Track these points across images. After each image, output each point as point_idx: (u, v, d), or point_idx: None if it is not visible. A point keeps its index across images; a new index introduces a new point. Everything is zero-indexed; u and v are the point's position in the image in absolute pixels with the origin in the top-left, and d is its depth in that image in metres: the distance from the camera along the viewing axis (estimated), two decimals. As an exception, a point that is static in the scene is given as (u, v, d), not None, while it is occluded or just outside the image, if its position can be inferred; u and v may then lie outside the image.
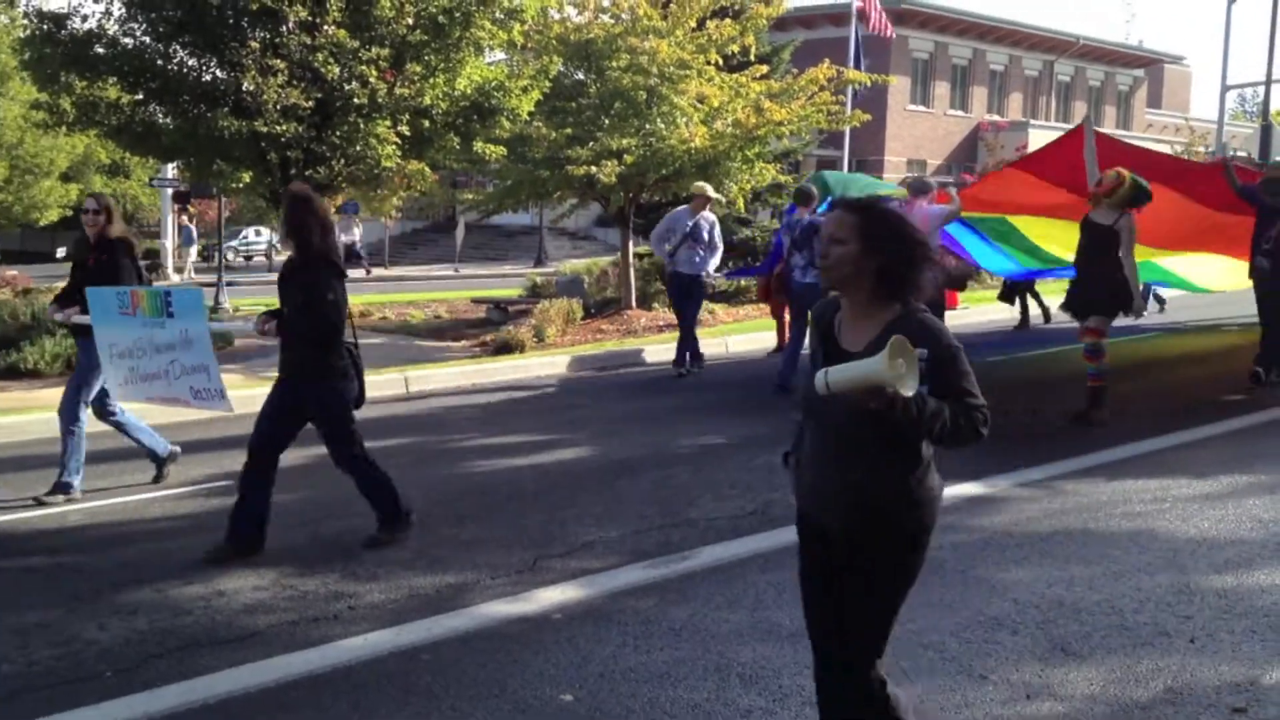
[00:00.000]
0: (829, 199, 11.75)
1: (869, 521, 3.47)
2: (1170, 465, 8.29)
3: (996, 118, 49.18)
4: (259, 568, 6.21)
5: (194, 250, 38.33)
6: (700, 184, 13.69)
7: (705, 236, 12.83)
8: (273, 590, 5.83)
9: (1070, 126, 42.81)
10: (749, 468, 8.55)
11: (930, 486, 3.49)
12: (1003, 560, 6.16)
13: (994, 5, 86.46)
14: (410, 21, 12.29)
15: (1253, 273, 11.48)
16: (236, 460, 8.93)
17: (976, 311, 17.64)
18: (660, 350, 14.28)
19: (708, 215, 13.02)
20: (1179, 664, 4.76)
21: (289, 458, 9.11)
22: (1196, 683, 4.58)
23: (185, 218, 38.99)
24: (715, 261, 13.20)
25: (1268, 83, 31.96)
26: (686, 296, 13.05)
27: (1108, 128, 53.25)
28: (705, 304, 15.06)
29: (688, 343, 13.05)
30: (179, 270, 36.27)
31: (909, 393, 3.15)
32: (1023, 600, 5.51)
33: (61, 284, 8.59)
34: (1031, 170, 11.81)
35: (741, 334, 15.93)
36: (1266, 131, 30.67)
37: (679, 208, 13.36)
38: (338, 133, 12.17)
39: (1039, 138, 45.49)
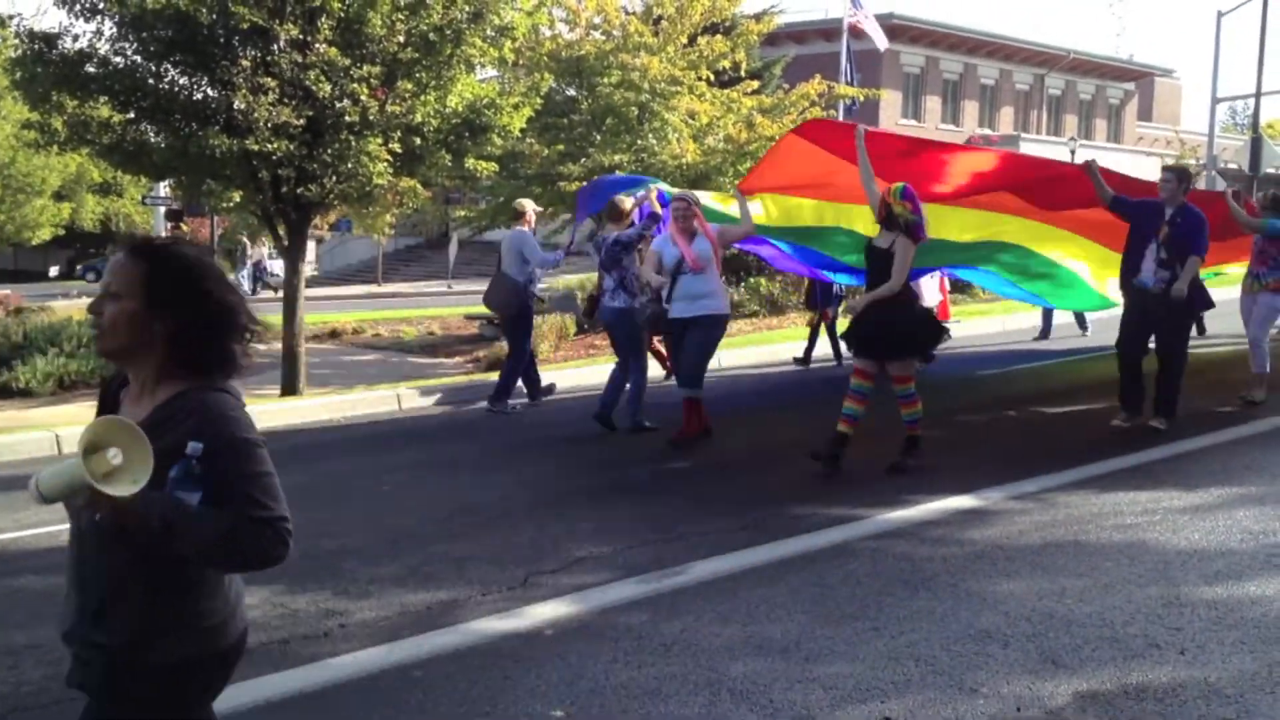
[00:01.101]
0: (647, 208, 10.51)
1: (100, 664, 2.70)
2: (1160, 477, 8.31)
3: (988, 131, 49.33)
4: (250, 585, 6.19)
5: None
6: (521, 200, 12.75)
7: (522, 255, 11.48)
8: (263, 609, 5.82)
9: (1061, 141, 42.68)
10: (739, 485, 8.56)
11: (199, 614, 2.72)
12: (994, 573, 6.17)
13: (985, 19, 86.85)
14: (401, 39, 12.32)
15: (1133, 293, 9.88)
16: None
17: (972, 325, 17.66)
18: (650, 365, 14.26)
19: (520, 231, 11.70)
20: (1169, 676, 4.77)
21: (285, 480, 9.12)
22: (1187, 694, 4.59)
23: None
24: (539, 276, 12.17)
25: (1258, 95, 32.13)
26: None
27: (1099, 140, 53.57)
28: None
29: (515, 375, 11.71)
30: None
31: (121, 493, 2.40)
32: (1014, 613, 5.52)
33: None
34: (811, 138, 10.29)
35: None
36: (1257, 144, 30.84)
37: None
38: (329, 150, 12.19)
39: (1031, 151, 45.71)
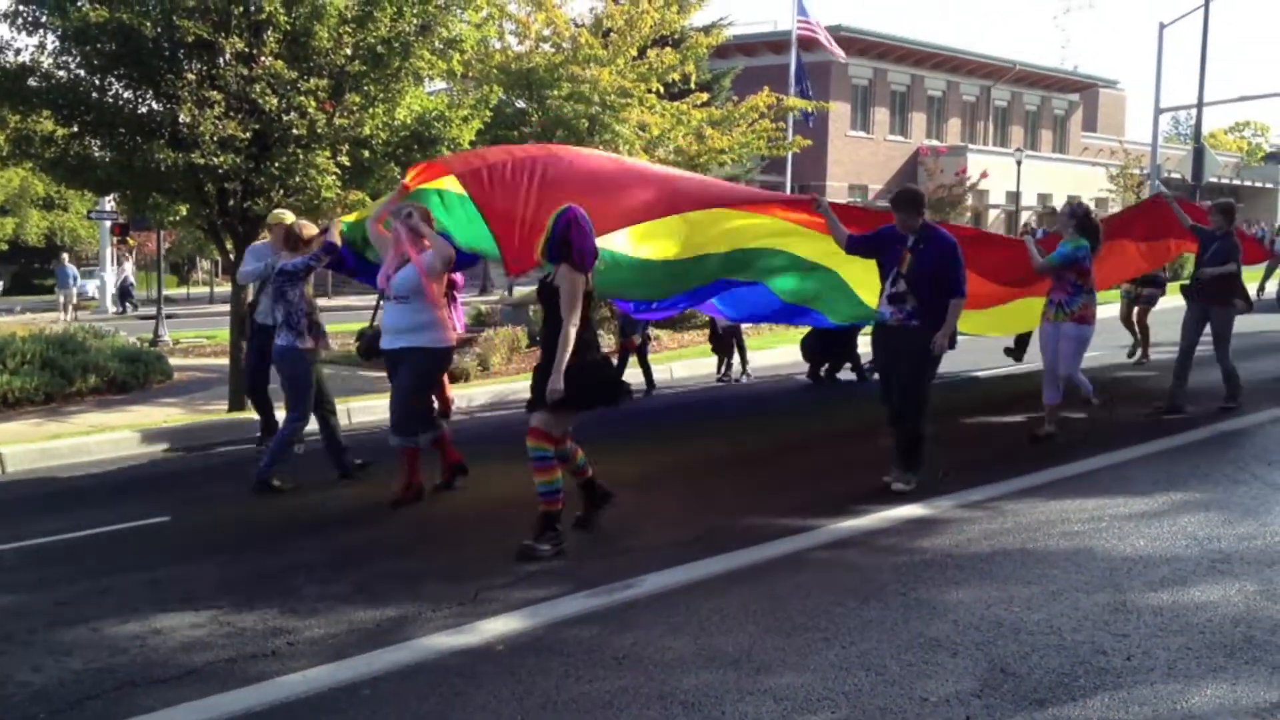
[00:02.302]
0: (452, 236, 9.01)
1: None
2: (1106, 485, 8.40)
3: (935, 142, 49.78)
4: (197, 604, 6.13)
5: (74, 291, 36.54)
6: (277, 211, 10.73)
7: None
8: (210, 627, 5.75)
9: (1009, 151, 43.09)
10: (690, 495, 8.57)
11: None
12: (943, 581, 6.20)
13: (932, 32, 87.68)
14: (349, 52, 12.25)
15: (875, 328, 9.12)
16: (180, 498, 8.85)
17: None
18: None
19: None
20: (1116, 682, 4.81)
21: (231, 492, 9.05)
22: (1133, 700, 4.63)
23: (67, 256, 38.11)
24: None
25: (1199, 106, 32.61)
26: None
27: (1044, 151, 54.20)
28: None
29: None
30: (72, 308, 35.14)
31: None
32: (963, 621, 5.55)
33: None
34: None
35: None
36: (1199, 154, 31.28)
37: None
38: (276, 164, 12.09)
39: (978, 162, 46.27)
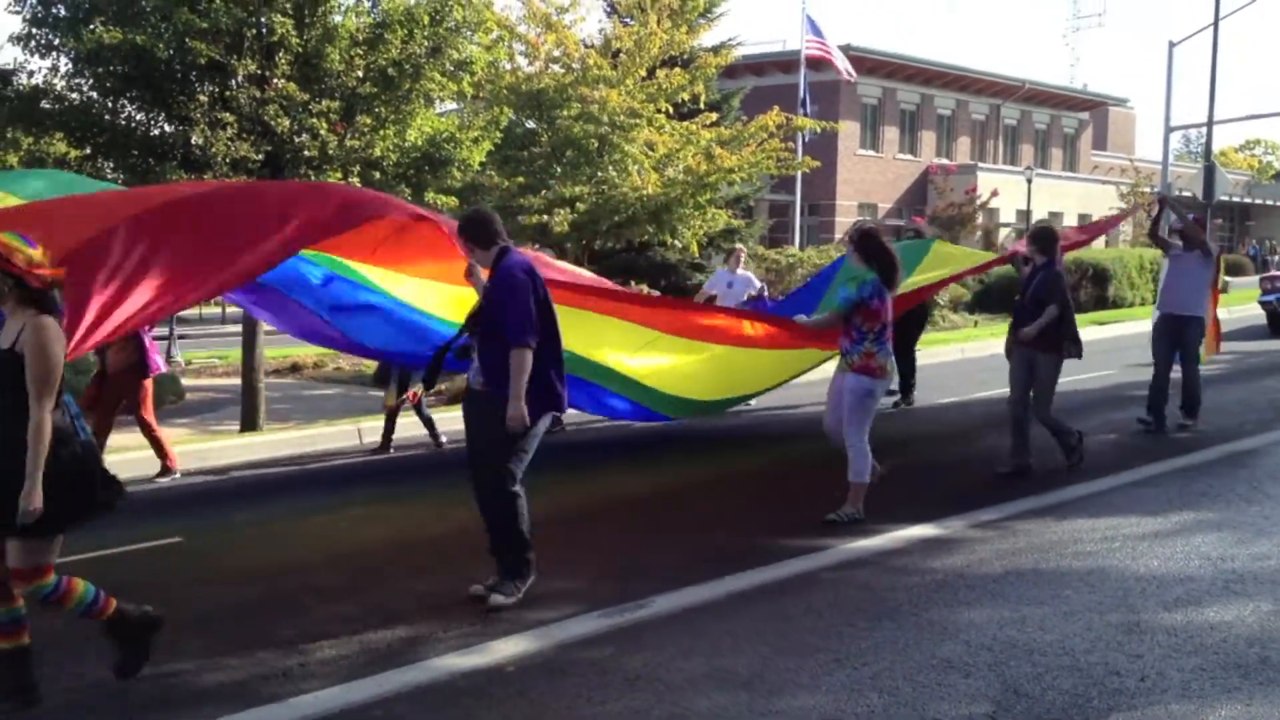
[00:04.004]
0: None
1: None
2: (1119, 505, 8.38)
3: (945, 161, 49.81)
4: (210, 625, 6.14)
5: None
6: None
7: None
8: (223, 648, 5.76)
9: (1019, 169, 43.04)
10: (702, 515, 8.56)
11: None
12: (955, 602, 6.19)
13: (941, 50, 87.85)
14: (360, 74, 12.32)
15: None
16: (193, 519, 8.86)
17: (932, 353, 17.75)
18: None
19: None
20: (1130, 703, 4.79)
21: (243, 513, 9.07)
22: (1147, 721, 4.62)
23: None
24: None
25: (1210, 124, 32.57)
26: None
27: (1055, 169, 54.18)
28: None
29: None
30: None
31: None
32: (975, 642, 5.53)
33: None
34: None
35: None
36: (1210, 172, 31.24)
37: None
38: (288, 185, 12.16)
39: (988, 180, 46.22)
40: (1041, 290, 9.35)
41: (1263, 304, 22.73)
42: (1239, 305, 25.84)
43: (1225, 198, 36.55)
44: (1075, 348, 9.50)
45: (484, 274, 6.54)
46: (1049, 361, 9.39)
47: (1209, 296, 11.50)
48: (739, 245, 17.30)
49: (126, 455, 10.74)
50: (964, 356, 18.54)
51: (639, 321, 10.16)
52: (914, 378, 13.64)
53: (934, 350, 18.12)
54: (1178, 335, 11.27)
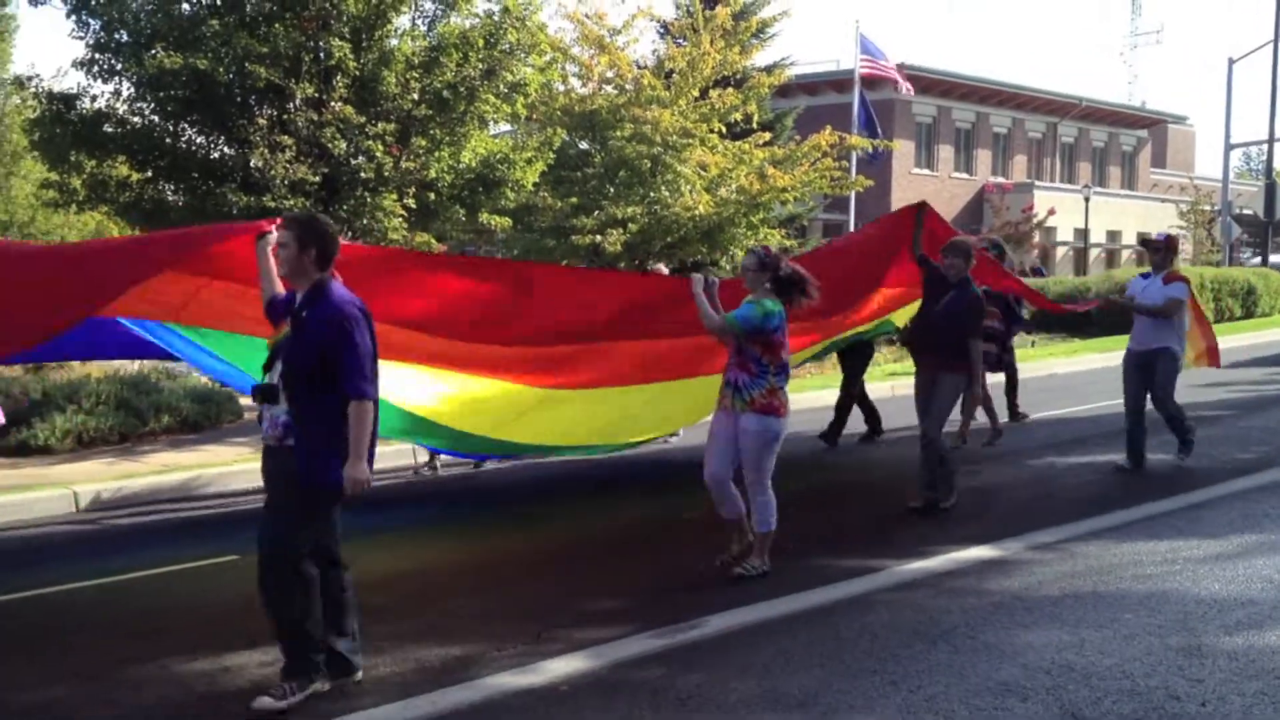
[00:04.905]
0: None
1: None
2: (1180, 526, 8.26)
3: (1001, 179, 49.41)
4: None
5: None
6: None
7: None
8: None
9: (1076, 187, 42.56)
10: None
11: None
12: (1013, 624, 6.12)
13: (997, 69, 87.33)
14: (416, 97, 12.46)
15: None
16: (249, 537, 8.95)
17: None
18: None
19: None
20: (1191, 728, 4.72)
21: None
22: (1209, 747, 4.54)
23: None
24: None
25: (1270, 141, 32.20)
26: None
27: (1113, 187, 53.61)
28: None
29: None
30: None
31: None
32: (1032, 665, 5.47)
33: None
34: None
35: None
36: (1271, 189, 30.86)
37: None
38: (345, 206, 12.30)
39: (1044, 199, 45.84)
40: (957, 306, 8.51)
41: None
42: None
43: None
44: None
45: (282, 286, 5.62)
46: (953, 382, 8.66)
47: (1183, 320, 10.24)
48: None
49: (184, 474, 10.84)
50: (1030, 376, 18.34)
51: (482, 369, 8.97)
52: (848, 416, 12.50)
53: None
54: (1147, 371, 10.17)
